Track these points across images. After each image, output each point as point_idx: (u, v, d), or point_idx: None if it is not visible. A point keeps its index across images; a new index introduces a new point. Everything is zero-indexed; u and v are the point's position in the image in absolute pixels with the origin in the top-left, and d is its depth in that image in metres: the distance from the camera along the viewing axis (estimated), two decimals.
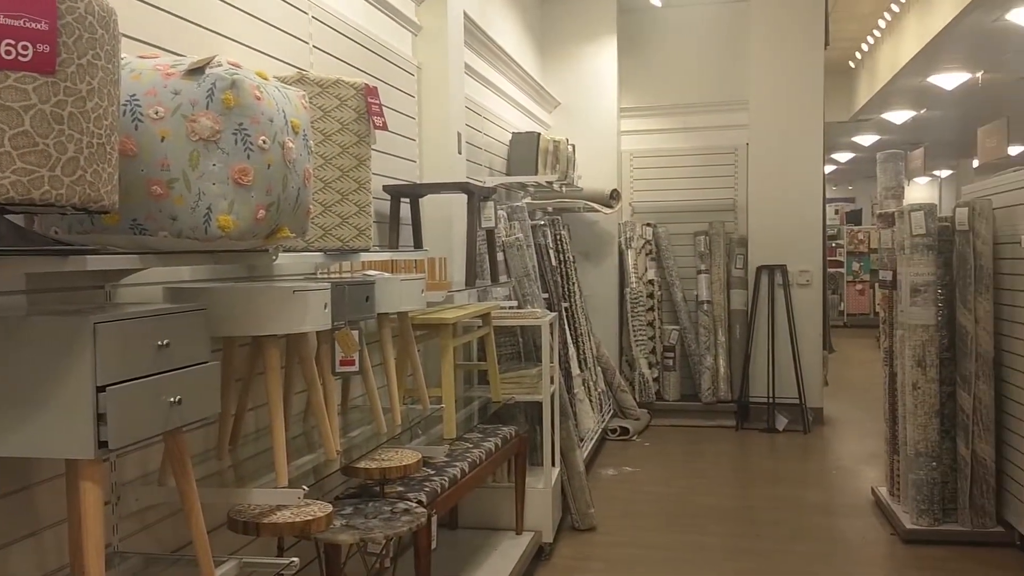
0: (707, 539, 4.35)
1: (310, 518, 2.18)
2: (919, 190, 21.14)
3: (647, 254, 7.30)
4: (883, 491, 4.79)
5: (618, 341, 7.24)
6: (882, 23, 10.05)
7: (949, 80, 10.02)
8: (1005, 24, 7.66)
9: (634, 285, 7.16)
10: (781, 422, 6.85)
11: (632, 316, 7.14)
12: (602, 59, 7.12)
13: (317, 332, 2.35)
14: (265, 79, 1.97)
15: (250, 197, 1.83)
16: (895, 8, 9.35)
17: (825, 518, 4.67)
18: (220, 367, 2.22)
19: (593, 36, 7.11)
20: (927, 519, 4.20)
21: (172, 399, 1.67)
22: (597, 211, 6.72)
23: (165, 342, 1.68)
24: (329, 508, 2.23)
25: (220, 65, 1.85)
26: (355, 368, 2.40)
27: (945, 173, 20.29)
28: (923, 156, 9.67)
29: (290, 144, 1.93)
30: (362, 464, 2.59)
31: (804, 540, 4.30)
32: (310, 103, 2.55)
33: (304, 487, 2.10)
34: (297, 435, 2.71)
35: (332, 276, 2.80)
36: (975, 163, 12.32)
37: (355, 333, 2.37)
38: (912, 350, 4.25)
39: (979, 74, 9.73)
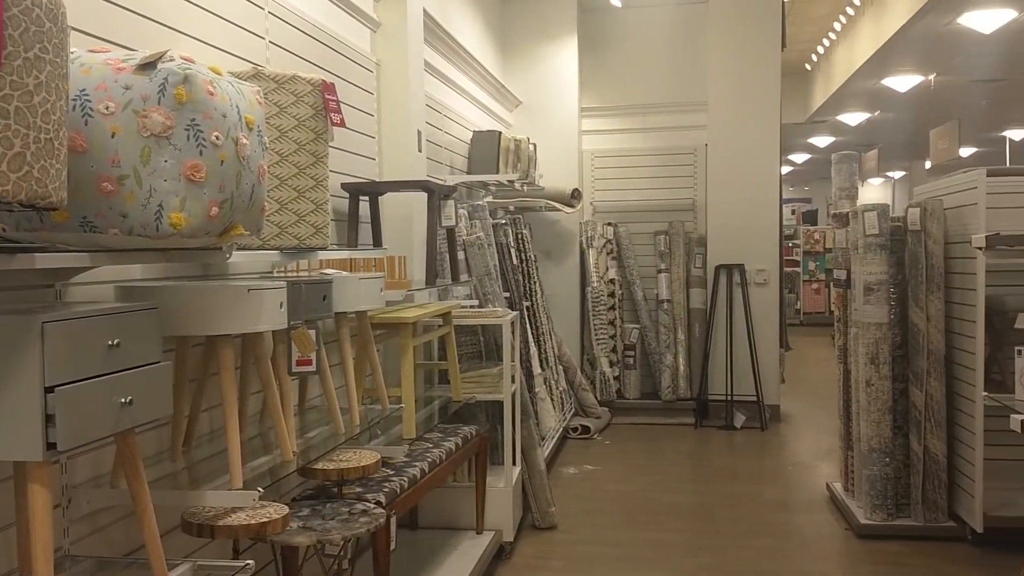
0: (666, 536, 4.38)
1: (266, 520, 2.15)
2: (873, 191, 21.54)
3: (608, 253, 7.34)
4: (838, 487, 4.87)
5: (579, 340, 7.27)
6: (837, 26, 10.22)
7: (902, 83, 10.22)
8: (957, 28, 7.83)
9: (595, 284, 7.19)
10: (739, 419, 6.93)
11: (593, 315, 7.17)
12: (563, 58, 7.14)
13: (273, 332, 2.32)
14: (219, 74, 1.94)
15: (203, 194, 1.80)
16: (850, 11, 9.51)
17: (781, 514, 4.73)
18: (173, 367, 2.18)
19: (554, 35, 7.13)
20: (880, 514, 4.28)
21: (123, 400, 1.64)
22: (558, 210, 6.74)
23: (115, 342, 1.64)
24: (285, 510, 2.21)
25: (172, 60, 1.82)
26: (312, 368, 2.38)
27: (898, 174, 20.69)
28: (877, 157, 9.85)
29: (244, 140, 1.91)
30: (320, 465, 2.56)
31: (761, 536, 4.35)
32: (266, 99, 2.52)
33: (259, 489, 2.08)
34: (254, 436, 2.67)
35: (289, 275, 2.77)
36: (927, 164, 12.58)
37: (312, 332, 2.35)
38: (865, 348, 4.32)
39: (931, 77, 9.93)
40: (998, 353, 4.05)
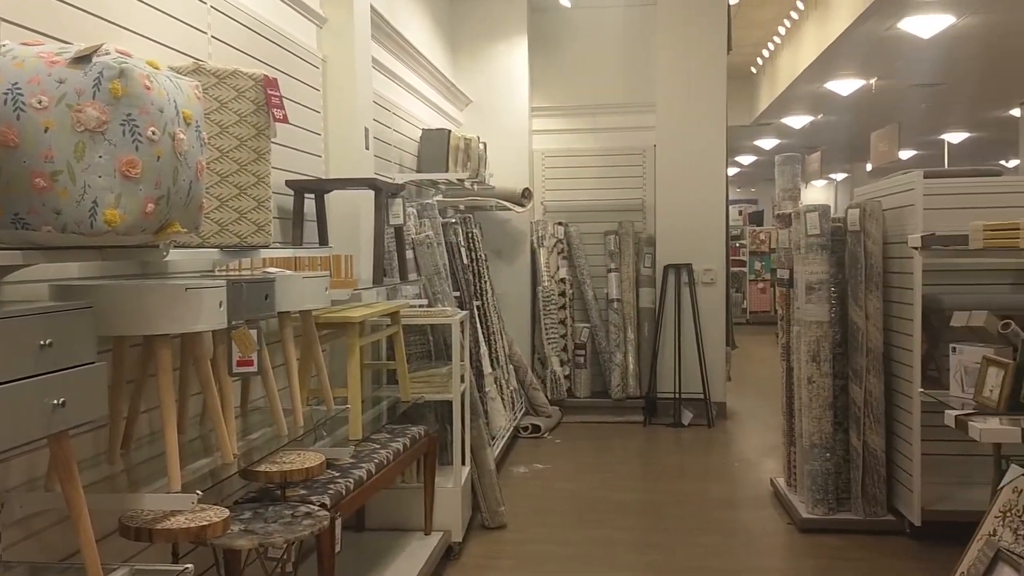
0: (615, 534, 4.41)
1: (205, 523, 2.12)
2: (816, 192, 21.99)
3: (559, 253, 7.37)
4: (781, 482, 4.96)
5: (530, 339, 7.28)
6: (782, 30, 10.40)
7: (845, 86, 10.45)
8: (898, 32, 8.03)
9: (546, 283, 7.21)
10: (687, 417, 7.02)
11: (544, 314, 7.19)
12: (513, 58, 7.15)
13: (213, 332, 2.28)
14: (156, 68, 1.91)
15: (138, 190, 1.76)
16: (794, 16, 9.68)
17: (727, 510, 4.80)
18: (110, 368, 2.14)
19: (504, 35, 7.13)
20: (822, 508, 4.36)
21: (55, 401, 1.60)
22: (509, 210, 6.75)
23: (48, 342, 1.60)
24: (226, 513, 2.17)
25: (108, 53, 1.78)
26: (253, 369, 2.34)
27: (841, 176, 21.17)
28: (820, 160, 10.07)
29: (181, 135, 1.87)
30: (262, 467, 2.52)
31: (708, 532, 4.41)
32: (206, 94, 2.48)
33: (198, 491, 2.04)
34: (194, 438, 2.63)
35: (231, 274, 2.72)
36: (869, 167, 12.88)
37: (253, 332, 2.31)
38: (807, 346, 4.40)
39: (873, 81, 10.17)
40: (935, 351, 4.15)
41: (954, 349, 3.32)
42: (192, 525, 2.12)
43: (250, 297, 2.30)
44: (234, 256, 2.55)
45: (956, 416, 2.55)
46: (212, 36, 3.01)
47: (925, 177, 4.07)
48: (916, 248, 3.28)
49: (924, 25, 7.73)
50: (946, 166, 15.10)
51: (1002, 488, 2.94)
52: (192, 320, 2.04)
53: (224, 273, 2.74)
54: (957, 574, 2.90)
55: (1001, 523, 2.85)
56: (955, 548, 2.97)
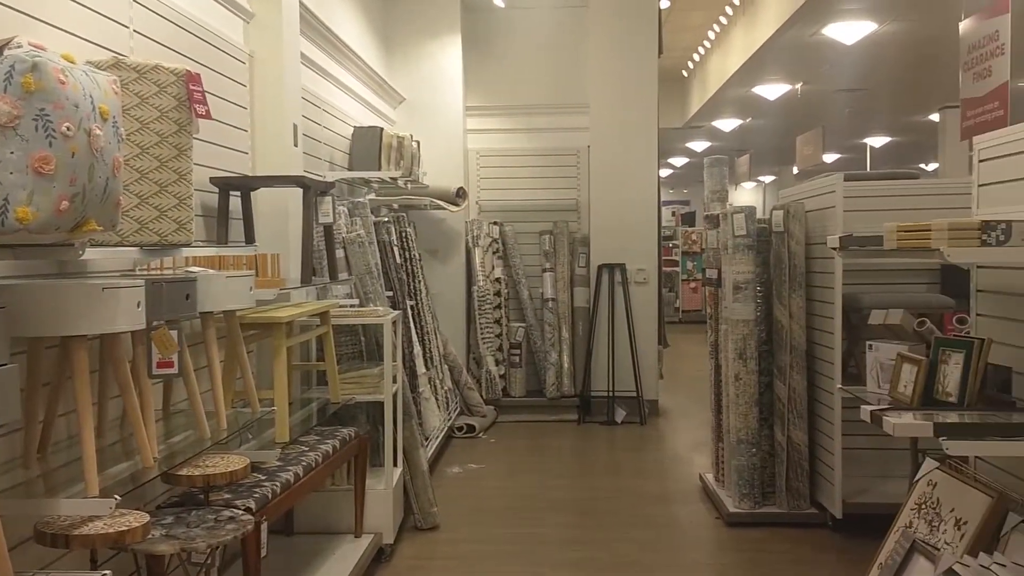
0: (547, 531, 4.44)
1: (124, 528, 2.07)
2: (746, 194, 22.47)
3: (494, 252, 7.38)
4: (709, 477, 5.06)
5: (466, 339, 7.28)
6: (712, 34, 10.61)
7: (772, 91, 10.71)
8: (822, 38, 8.26)
9: (481, 283, 7.21)
10: (620, 415, 7.11)
11: (480, 314, 7.19)
12: (447, 56, 7.14)
13: (132, 332, 2.22)
14: (72, 62, 1.85)
15: (51, 187, 1.71)
16: (723, 21, 9.88)
17: (658, 506, 4.87)
18: (24, 370, 2.07)
19: (438, 33, 7.11)
20: (748, 503, 4.46)
21: None
22: (444, 209, 6.73)
23: None
24: (146, 518, 2.12)
25: (20, 46, 1.73)
26: (174, 370, 2.29)
27: (769, 178, 21.67)
28: (748, 162, 10.30)
29: (98, 131, 1.82)
30: (184, 471, 2.47)
31: (638, 527, 4.47)
32: (126, 89, 2.41)
33: (116, 496, 1.99)
34: (114, 442, 2.56)
35: (152, 273, 2.66)
36: (795, 169, 13.22)
37: (174, 333, 2.26)
38: (734, 343, 4.50)
39: (798, 86, 10.45)
40: (855, 348, 4.28)
41: (870, 346, 3.42)
42: (111, 531, 2.07)
43: (170, 297, 2.25)
44: (154, 255, 2.49)
45: (871, 411, 2.63)
46: (134, 30, 2.93)
47: (845, 180, 4.19)
48: (835, 249, 3.38)
49: (847, 31, 7.97)
50: (868, 169, 15.61)
51: (917, 481, 3.05)
52: (109, 321, 1.98)
53: (144, 272, 2.68)
54: (875, 565, 3.00)
55: (916, 515, 2.96)
56: (874, 539, 3.07)
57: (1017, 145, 2.86)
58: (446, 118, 7.16)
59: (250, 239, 3.38)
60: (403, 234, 5.97)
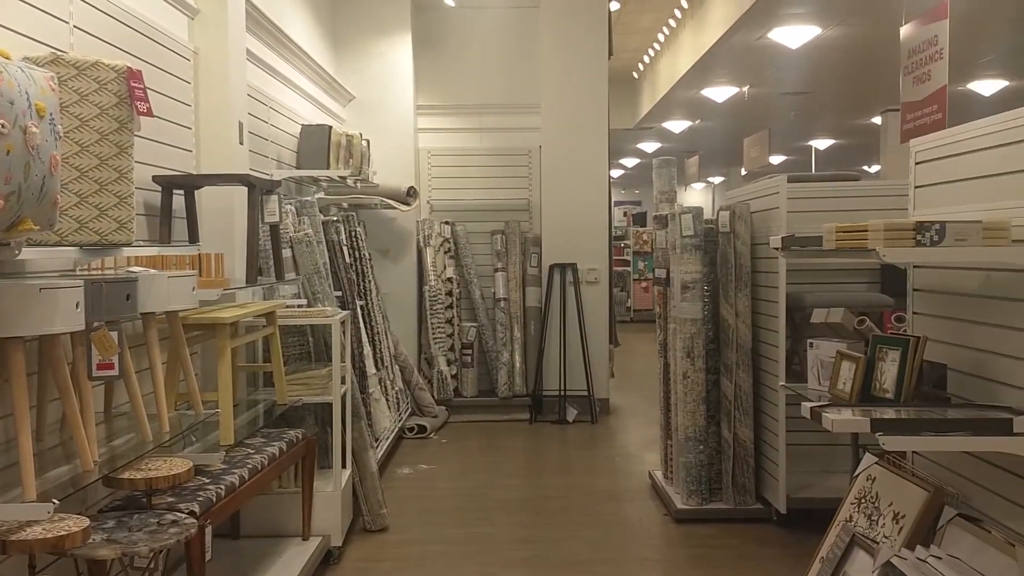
0: (498, 530, 4.45)
1: (63, 533, 2.02)
2: (696, 195, 22.78)
3: (446, 252, 7.36)
4: (659, 475, 5.12)
5: (417, 339, 7.25)
6: (661, 37, 10.72)
7: (720, 93, 10.87)
8: (767, 42, 8.41)
9: (433, 283, 7.19)
10: (571, 413, 7.15)
11: (431, 314, 7.17)
12: (398, 55, 7.11)
13: (71, 334, 2.18)
14: (7, 58, 1.81)
15: None
16: (672, 24, 9.99)
17: (608, 503, 4.91)
18: None
19: (387, 31, 7.08)
20: (696, 499, 4.53)
21: None
22: (394, 208, 6.69)
23: None
24: (86, 522, 2.08)
25: None
26: (115, 372, 2.25)
27: (718, 179, 21.99)
28: (697, 163, 10.44)
29: (34, 129, 1.78)
30: (126, 474, 2.42)
31: (588, 525, 4.51)
32: (65, 86, 2.36)
33: (55, 501, 1.94)
34: (54, 445, 2.50)
35: (93, 273, 2.60)
36: (743, 171, 13.44)
37: (114, 334, 2.22)
38: (682, 342, 4.56)
39: (745, 88, 10.62)
40: (798, 346, 4.37)
41: (811, 344, 3.50)
42: (49, 536, 2.03)
43: (110, 297, 2.21)
44: (94, 255, 2.44)
45: (811, 408, 2.69)
46: (74, 26, 2.87)
47: (789, 181, 4.27)
48: (777, 249, 3.45)
49: (792, 35, 8.13)
50: (813, 171, 15.92)
51: (857, 476, 3.12)
52: (47, 322, 1.94)
53: (84, 273, 2.62)
54: (817, 559, 3.06)
55: (856, 509, 3.03)
56: (818, 534, 3.14)
57: (951, 148, 2.95)
58: (397, 117, 7.13)
59: (194, 238, 3.32)
60: (353, 233, 5.93)
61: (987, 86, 10.47)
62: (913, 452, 3.11)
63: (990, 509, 2.67)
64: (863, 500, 3.03)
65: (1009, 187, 2.59)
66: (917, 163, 3.20)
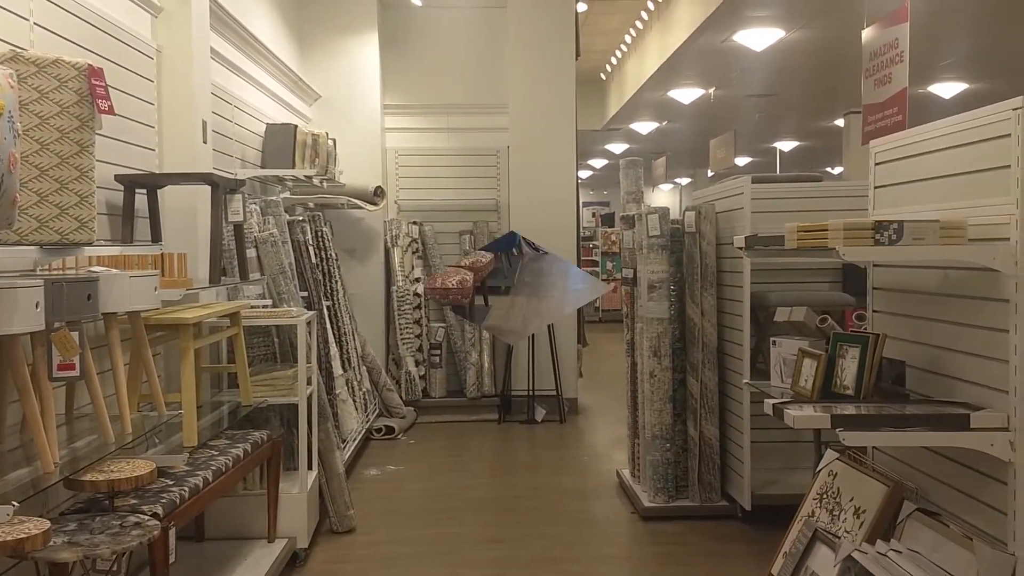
0: (466, 530, 4.45)
1: (23, 536, 1.99)
2: (663, 196, 22.95)
3: (414, 252, 7.34)
4: (626, 473, 5.15)
5: (385, 339, 7.23)
6: (628, 39, 10.79)
7: (686, 95, 10.95)
8: (733, 44, 8.49)
9: (401, 283, 7.17)
10: (540, 413, 7.17)
11: (399, 314, 7.15)
12: (364, 54, 7.08)
13: (31, 334, 2.14)
14: None
15: None
16: (639, 25, 10.06)
17: (577, 502, 4.94)
18: None
19: (354, 30, 7.05)
20: (662, 497, 4.56)
21: None
22: (361, 208, 6.66)
23: None
24: (46, 524, 2.05)
25: None
26: (76, 373, 2.22)
27: (685, 180, 22.17)
28: (665, 164, 10.52)
29: None
30: (88, 476, 2.39)
31: (556, 524, 4.52)
32: (25, 83, 2.32)
33: (14, 503, 1.92)
34: (15, 447, 2.46)
35: (53, 273, 2.56)
36: (709, 172, 13.57)
37: (75, 335, 2.19)
38: (649, 341, 4.60)
39: (711, 90, 10.71)
40: (763, 344, 4.42)
41: (774, 342, 3.55)
42: (8, 538, 1.99)
43: (71, 297, 2.18)
44: (55, 254, 2.41)
45: (774, 404, 2.73)
46: (34, 23, 2.83)
47: (753, 182, 4.32)
48: (740, 248, 3.49)
49: (756, 38, 8.22)
50: (778, 172, 16.13)
51: (819, 472, 3.17)
52: (6, 322, 1.91)
53: (45, 272, 2.58)
54: (780, 554, 3.11)
55: (818, 504, 3.08)
56: (782, 529, 3.18)
57: (910, 149, 3.00)
58: (363, 116, 7.10)
59: (156, 238, 3.29)
60: (319, 233, 5.90)
61: (947, 89, 10.67)
62: (873, 448, 3.17)
63: (948, 503, 2.73)
64: (825, 495, 3.08)
65: (965, 187, 2.65)
66: (877, 164, 3.25)
